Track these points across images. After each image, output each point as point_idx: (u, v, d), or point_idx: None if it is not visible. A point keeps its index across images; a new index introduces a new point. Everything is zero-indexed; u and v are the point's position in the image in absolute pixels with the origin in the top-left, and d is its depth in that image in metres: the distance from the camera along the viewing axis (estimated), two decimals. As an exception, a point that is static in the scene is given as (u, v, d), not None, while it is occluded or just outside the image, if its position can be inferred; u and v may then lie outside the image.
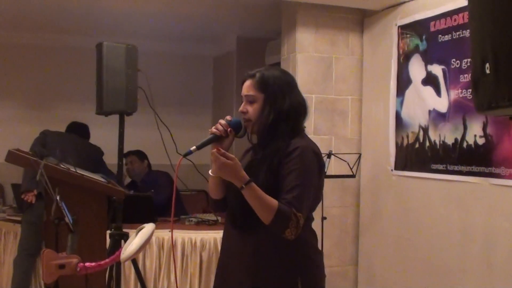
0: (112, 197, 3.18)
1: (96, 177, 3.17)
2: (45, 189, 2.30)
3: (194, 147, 2.32)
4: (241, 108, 2.48)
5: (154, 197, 5.49)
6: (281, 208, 2.24)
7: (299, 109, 2.47)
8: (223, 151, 2.28)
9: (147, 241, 2.04)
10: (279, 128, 2.40)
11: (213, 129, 2.44)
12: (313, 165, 2.38)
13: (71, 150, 4.78)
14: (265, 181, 2.33)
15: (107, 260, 2.08)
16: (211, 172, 2.46)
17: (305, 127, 2.53)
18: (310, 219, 2.50)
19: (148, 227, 2.09)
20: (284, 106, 2.41)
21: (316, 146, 2.49)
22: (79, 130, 5.45)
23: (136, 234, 2.08)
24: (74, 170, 2.77)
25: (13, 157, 2.74)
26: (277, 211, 2.24)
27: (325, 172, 4.31)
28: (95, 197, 2.83)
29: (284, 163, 2.34)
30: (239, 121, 2.46)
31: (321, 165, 2.44)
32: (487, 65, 1.17)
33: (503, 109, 1.16)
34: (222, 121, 2.45)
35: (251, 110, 2.44)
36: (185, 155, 2.33)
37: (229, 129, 2.44)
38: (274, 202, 2.26)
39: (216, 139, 2.43)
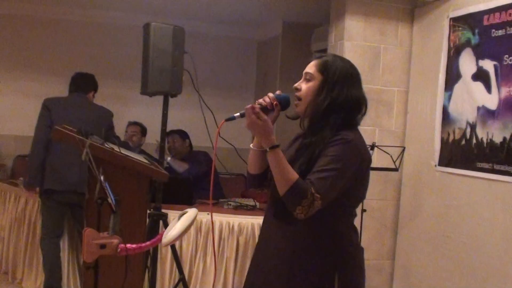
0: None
1: (140, 157, 3.16)
2: (92, 168, 2.29)
3: (237, 114, 2.29)
4: (296, 84, 2.44)
5: (190, 170, 5.53)
6: (299, 182, 2.19)
7: (356, 104, 2.40)
8: (258, 109, 2.24)
9: (189, 226, 2.03)
10: (330, 118, 2.34)
11: (260, 100, 2.39)
12: (350, 157, 2.29)
13: (79, 119, 4.46)
14: (302, 166, 2.29)
15: (148, 242, 2.08)
16: (252, 145, 2.45)
17: (358, 122, 2.45)
18: (352, 215, 2.45)
19: (191, 212, 2.08)
20: (341, 96, 2.35)
21: (363, 141, 2.41)
22: (82, 84, 5.02)
23: (179, 218, 2.06)
24: (118, 150, 2.77)
25: (59, 134, 2.75)
26: (294, 183, 2.19)
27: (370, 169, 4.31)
28: (138, 178, 2.82)
29: (324, 151, 2.28)
30: (288, 97, 2.41)
31: (364, 160, 2.37)
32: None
33: None
34: (271, 94, 2.39)
35: (305, 88, 2.40)
36: (227, 120, 2.29)
37: (275, 102, 2.39)
38: (294, 175, 2.21)
39: (261, 110, 2.41)
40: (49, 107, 4.74)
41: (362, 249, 2.52)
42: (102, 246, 2.06)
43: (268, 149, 2.23)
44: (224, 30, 7.42)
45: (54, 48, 7.10)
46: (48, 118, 4.67)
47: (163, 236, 2.02)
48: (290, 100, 2.44)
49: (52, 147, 4.63)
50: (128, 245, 2.03)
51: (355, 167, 2.31)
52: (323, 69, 2.39)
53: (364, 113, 2.46)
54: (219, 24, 7.26)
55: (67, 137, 2.66)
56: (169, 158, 5.63)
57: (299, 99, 2.42)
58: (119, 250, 2.05)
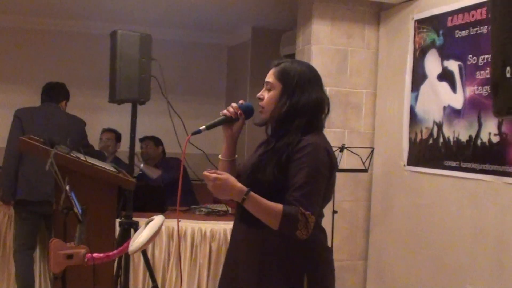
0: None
1: (107, 166, 3.16)
2: (56, 178, 2.29)
3: (203, 126, 2.34)
4: (258, 94, 2.48)
5: (163, 176, 5.53)
6: (286, 211, 2.22)
7: (317, 107, 2.44)
8: (213, 170, 2.27)
9: (156, 233, 2.03)
10: (293, 122, 2.38)
11: (224, 111, 2.45)
12: (324, 163, 2.35)
13: (50, 129, 4.50)
14: (272, 175, 2.31)
15: (115, 251, 2.08)
16: (221, 156, 2.51)
17: (323, 125, 2.50)
18: (320, 216, 2.47)
19: (157, 219, 2.09)
20: (301, 101, 2.39)
21: (329, 144, 2.45)
22: (52, 93, 4.97)
23: (145, 226, 2.07)
24: (84, 159, 2.76)
25: (24, 145, 2.74)
26: (282, 215, 2.22)
27: (336, 171, 4.35)
28: (105, 187, 2.82)
29: (294, 159, 2.31)
30: (251, 106, 2.48)
31: (332, 164, 2.41)
32: (508, 68, 1.14)
33: (523, 114, 1.13)
34: (234, 104, 2.46)
35: (267, 97, 2.44)
36: (193, 133, 2.34)
37: (239, 112, 2.43)
38: (278, 207, 2.23)
39: (226, 121, 2.45)
40: (20, 118, 4.70)
41: (330, 250, 2.55)
42: (69, 256, 2.05)
43: (245, 197, 2.24)
44: (194, 36, 7.41)
45: (22, 58, 7.04)
46: (20, 129, 4.61)
47: (130, 244, 2.03)
48: (254, 108, 2.48)
49: (25, 158, 4.58)
50: (95, 255, 2.03)
51: (327, 169, 2.37)
52: (281, 76, 2.43)
53: (327, 113, 2.49)
54: (189, 30, 7.26)
55: (32, 147, 2.65)
56: (142, 165, 5.63)
57: (262, 107, 2.46)
58: (86, 259, 2.05)
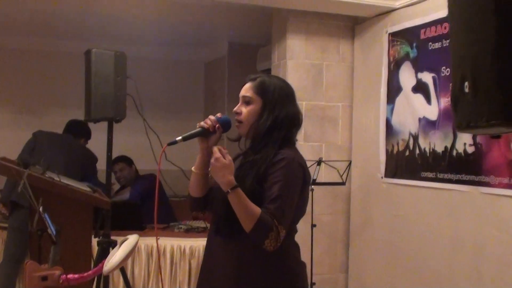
0: (99, 206, 3.16)
1: (82, 186, 3.14)
2: (29, 199, 2.27)
3: (179, 138, 2.32)
4: (235, 108, 2.47)
5: (133, 191, 5.48)
6: (263, 217, 2.23)
7: (294, 121, 2.47)
8: (225, 150, 2.28)
9: (130, 252, 2.02)
10: (272, 135, 2.39)
11: (202, 123, 2.43)
12: (297, 178, 2.37)
13: (60, 155, 4.68)
14: (251, 187, 2.32)
15: (90, 272, 2.06)
16: (194, 169, 2.48)
17: (297, 140, 2.53)
18: (293, 230, 2.48)
19: (131, 238, 2.07)
20: (281, 115, 2.41)
21: (303, 158, 2.47)
22: (74, 129, 5.22)
23: (120, 245, 2.05)
24: (58, 179, 2.74)
25: (-1, 166, 2.71)
26: (258, 219, 2.22)
27: (314, 176, 4.36)
28: (80, 207, 2.80)
29: (269, 173, 2.32)
30: (229, 119, 2.46)
31: (306, 178, 2.43)
32: (466, 83, 1.16)
33: (481, 129, 1.14)
34: (212, 117, 2.44)
35: (245, 111, 2.44)
36: (169, 144, 2.32)
37: (217, 125, 2.42)
38: (257, 210, 2.24)
39: (203, 133, 2.43)
40: (37, 137, 4.92)
41: (304, 265, 2.56)
42: (44, 278, 2.03)
43: (229, 190, 2.25)
44: (170, 53, 7.41)
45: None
46: (31, 146, 4.82)
47: (104, 264, 2.01)
48: (231, 122, 2.48)
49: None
50: (70, 276, 2.01)
51: (301, 184, 2.39)
52: (260, 91, 2.43)
53: (299, 127, 2.52)
54: (165, 47, 7.26)
55: (5, 169, 2.63)
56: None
57: (240, 122, 2.45)
58: (61, 281, 2.03)
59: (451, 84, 1.29)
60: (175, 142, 2.32)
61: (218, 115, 2.46)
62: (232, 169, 2.28)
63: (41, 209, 2.13)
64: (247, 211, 2.25)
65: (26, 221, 4.58)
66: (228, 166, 2.26)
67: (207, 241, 2.57)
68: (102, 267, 2.01)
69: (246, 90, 2.47)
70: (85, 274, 2.02)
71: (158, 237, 2.40)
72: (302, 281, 2.49)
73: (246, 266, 2.36)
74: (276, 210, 2.26)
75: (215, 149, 2.27)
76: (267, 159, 2.35)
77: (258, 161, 2.37)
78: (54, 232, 2.11)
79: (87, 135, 5.31)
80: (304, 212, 2.53)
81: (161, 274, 4.21)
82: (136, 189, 5.54)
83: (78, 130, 5.22)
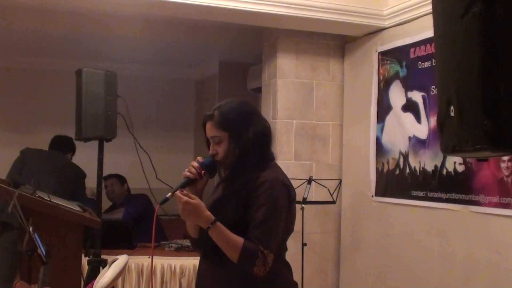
0: (89, 225, 3.15)
1: (72, 206, 3.13)
2: (19, 220, 2.26)
3: (169, 194, 2.31)
4: (211, 151, 2.46)
5: (127, 211, 5.47)
6: (246, 246, 2.24)
7: (263, 138, 2.45)
8: (185, 192, 2.28)
9: (120, 273, 2.02)
10: (246, 160, 2.38)
11: (187, 173, 2.43)
12: (282, 198, 2.36)
13: (49, 173, 4.64)
14: (234, 217, 2.32)
15: (79, 293, 2.05)
16: None
17: (273, 155, 2.51)
18: (283, 249, 2.47)
19: (121, 259, 2.07)
20: (249, 138, 2.39)
21: (286, 177, 2.46)
22: (61, 145, 5.22)
23: (109, 266, 2.05)
24: (48, 199, 2.73)
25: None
26: (242, 249, 2.23)
27: (305, 195, 4.37)
28: (71, 226, 2.79)
29: (253, 197, 2.32)
30: (212, 160, 2.45)
31: (291, 197, 2.42)
32: (452, 107, 1.17)
33: (467, 153, 1.15)
34: (195, 164, 2.43)
35: (221, 150, 2.42)
36: (161, 203, 2.32)
37: (202, 171, 2.42)
38: (239, 240, 2.25)
39: (190, 182, 2.43)
40: (25, 154, 4.87)
41: (296, 284, 2.55)
42: (33, 299, 2.02)
43: (210, 225, 2.25)
44: (161, 72, 7.42)
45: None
46: (20, 164, 4.76)
47: (94, 285, 2.00)
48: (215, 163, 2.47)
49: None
50: (60, 297, 2.01)
51: (286, 204, 2.38)
52: (223, 125, 2.40)
53: (271, 140, 2.51)
54: (155, 65, 7.27)
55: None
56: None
57: (220, 161, 2.44)
58: (50, 301, 2.02)
59: (438, 108, 1.31)
60: (166, 200, 2.31)
61: (199, 159, 2.45)
62: (203, 205, 2.28)
63: (31, 229, 2.12)
64: (229, 243, 2.26)
65: (16, 241, 4.56)
66: (199, 205, 2.26)
67: (199, 262, 2.57)
68: (91, 287, 2.01)
69: (210, 130, 2.44)
70: (75, 295, 2.02)
71: (152, 256, 2.38)
72: None
73: None
74: (262, 235, 2.26)
75: (178, 195, 2.25)
76: (247, 185, 2.34)
77: (238, 189, 2.36)
78: (44, 252, 2.11)
79: (73, 149, 5.31)
80: (292, 229, 2.52)
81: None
82: (129, 210, 5.52)
83: (65, 146, 5.21)
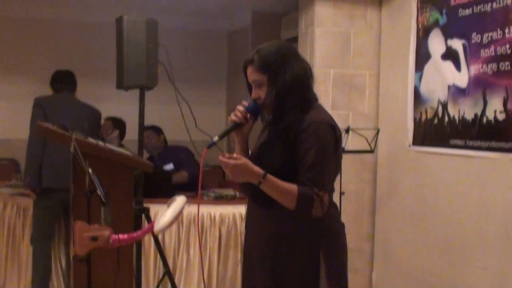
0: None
1: (123, 150, 3.18)
2: (80, 162, 2.30)
3: (216, 138, 2.33)
4: (253, 95, 2.47)
5: (190, 174, 5.53)
6: (301, 192, 2.27)
7: (301, 78, 2.43)
8: (228, 155, 2.28)
9: (179, 213, 2.06)
10: (285, 103, 2.38)
11: (233, 117, 2.44)
12: (329, 139, 2.38)
13: (74, 118, 4.45)
14: (281, 159, 2.35)
15: (139, 232, 2.11)
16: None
17: (316, 95, 2.50)
18: (331, 190, 2.48)
19: (179, 199, 2.12)
20: (285, 80, 2.38)
21: (331, 118, 2.47)
22: (69, 85, 4.96)
23: (168, 206, 2.09)
24: (103, 144, 2.78)
25: (43, 130, 2.75)
26: (298, 195, 2.26)
27: (342, 144, 4.36)
28: (123, 170, 2.83)
29: (300, 141, 2.33)
30: (256, 104, 2.46)
31: (337, 137, 2.43)
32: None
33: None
34: (241, 108, 2.44)
35: (262, 94, 2.44)
36: (209, 147, 2.33)
37: (248, 115, 2.44)
38: (293, 188, 2.28)
39: (237, 126, 2.45)
40: (42, 105, 4.66)
41: (343, 225, 2.59)
42: (94, 238, 2.07)
43: (262, 180, 2.27)
44: (194, 23, 7.40)
45: (25, 48, 7.02)
46: (42, 116, 4.54)
47: (155, 224, 2.05)
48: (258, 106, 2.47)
49: (48, 146, 4.54)
50: (121, 236, 2.06)
51: (333, 144, 2.40)
52: (263, 68, 2.41)
53: (312, 79, 2.49)
54: (188, 16, 7.25)
55: (50, 133, 2.67)
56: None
57: (263, 105, 2.45)
58: (111, 241, 2.07)
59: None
60: (213, 144, 2.33)
61: (244, 103, 2.46)
62: (250, 163, 2.29)
63: (90, 170, 2.17)
64: (283, 192, 2.29)
65: (55, 200, 4.62)
66: (246, 163, 2.28)
67: (247, 205, 2.60)
68: (151, 227, 2.05)
69: (251, 74, 2.45)
70: (135, 234, 2.06)
71: (199, 202, 2.43)
72: (342, 242, 2.53)
73: (285, 230, 2.39)
74: (314, 177, 2.29)
75: (224, 160, 2.26)
76: (292, 128, 2.35)
77: (282, 131, 2.37)
78: (103, 193, 2.16)
79: (76, 83, 5.06)
80: (339, 170, 2.56)
81: (200, 240, 4.22)
82: (192, 172, 5.51)
83: (71, 82, 5.00)
